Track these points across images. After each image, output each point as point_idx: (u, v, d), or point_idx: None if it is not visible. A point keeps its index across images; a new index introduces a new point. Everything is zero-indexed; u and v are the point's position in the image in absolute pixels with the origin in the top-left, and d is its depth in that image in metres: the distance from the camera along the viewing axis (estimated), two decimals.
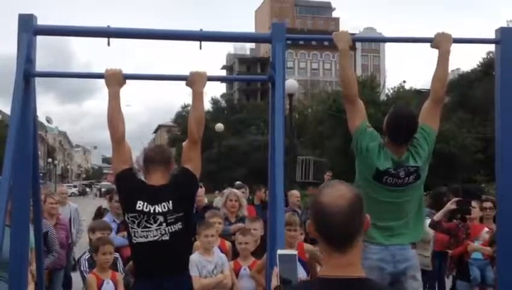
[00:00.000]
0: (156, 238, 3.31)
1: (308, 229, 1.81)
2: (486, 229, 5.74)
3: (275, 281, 1.95)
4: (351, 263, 1.69)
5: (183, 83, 3.67)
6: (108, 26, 3.68)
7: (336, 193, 1.69)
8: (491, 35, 3.95)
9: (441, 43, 3.73)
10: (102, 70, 3.61)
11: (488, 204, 5.89)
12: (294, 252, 2.00)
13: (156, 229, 3.32)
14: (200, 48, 3.74)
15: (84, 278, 4.91)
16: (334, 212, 1.65)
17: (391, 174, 3.55)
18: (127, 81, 3.64)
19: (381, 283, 2.00)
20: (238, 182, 12.21)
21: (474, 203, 5.91)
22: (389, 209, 3.57)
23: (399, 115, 3.66)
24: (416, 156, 3.62)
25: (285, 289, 1.80)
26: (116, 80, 3.55)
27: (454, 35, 3.78)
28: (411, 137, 3.68)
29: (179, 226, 3.34)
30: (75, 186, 64.93)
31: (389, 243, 3.56)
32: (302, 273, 1.80)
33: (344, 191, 1.70)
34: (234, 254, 5.32)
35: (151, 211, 3.32)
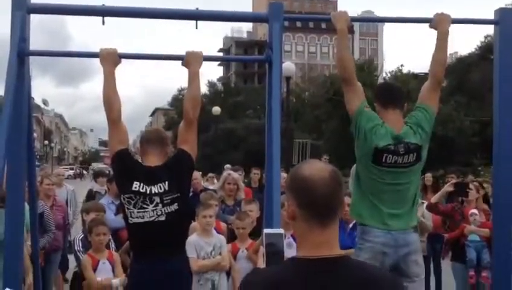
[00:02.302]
0: (153, 219, 3.31)
1: (286, 211, 1.76)
2: (472, 211, 5.74)
3: (261, 261, 1.94)
4: (329, 242, 1.67)
5: (180, 65, 3.63)
6: (103, 4, 3.64)
7: (316, 166, 1.70)
8: (490, 16, 3.92)
9: (440, 23, 3.70)
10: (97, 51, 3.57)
11: (475, 184, 5.95)
12: (281, 231, 1.99)
13: (152, 210, 3.31)
14: (196, 27, 3.70)
15: (77, 258, 4.91)
16: (318, 183, 1.65)
17: (391, 151, 3.50)
18: (123, 60, 3.60)
19: (361, 261, 1.98)
20: (227, 165, 12.20)
21: (471, 186, 5.93)
22: (391, 192, 3.54)
23: (386, 82, 3.68)
24: (416, 132, 3.58)
25: (252, 272, 1.75)
26: (111, 59, 3.51)
27: (453, 16, 3.76)
28: (402, 98, 3.71)
29: (175, 207, 3.33)
30: (71, 169, 64.90)
31: (392, 228, 3.51)
32: (294, 253, 1.76)
33: (323, 165, 1.72)
34: (230, 236, 5.34)
35: (147, 192, 3.31)
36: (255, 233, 5.05)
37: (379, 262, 3.44)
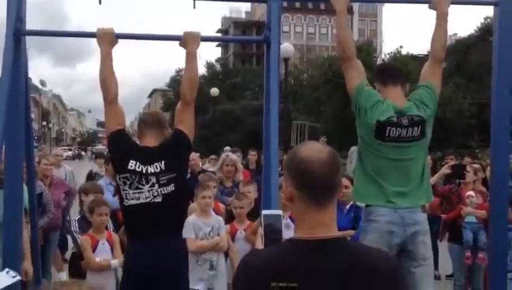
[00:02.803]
0: (148, 200, 3.28)
1: (284, 192, 1.77)
2: (468, 192, 5.77)
3: (259, 242, 1.94)
4: (327, 223, 1.67)
5: (178, 45, 3.60)
6: None
7: (313, 148, 1.70)
8: None
9: (439, 4, 3.67)
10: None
11: (476, 165, 5.94)
12: (279, 212, 1.99)
13: (148, 191, 3.28)
14: (194, 6, 3.67)
15: (74, 239, 4.92)
16: (315, 165, 1.65)
17: (394, 123, 3.41)
18: (120, 41, 3.57)
19: (358, 243, 1.99)
20: (227, 147, 12.18)
21: (468, 168, 5.94)
22: (395, 169, 3.44)
23: (385, 62, 3.63)
24: (420, 106, 3.49)
25: (250, 253, 1.75)
26: (108, 39, 3.48)
27: None
28: (402, 76, 3.66)
29: (171, 188, 3.31)
30: (70, 150, 64.87)
31: (398, 206, 3.39)
32: (292, 234, 1.77)
33: (321, 146, 1.72)
34: (228, 218, 5.37)
35: (143, 171, 3.29)
36: (253, 214, 5.07)
37: (386, 243, 3.33)
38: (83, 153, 69.12)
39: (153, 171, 3.30)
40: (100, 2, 3.61)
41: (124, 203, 3.35)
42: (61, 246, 7.18)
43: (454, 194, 5.94)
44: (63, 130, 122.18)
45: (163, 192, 3.29)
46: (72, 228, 4.97)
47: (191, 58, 3.53)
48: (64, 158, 9.94)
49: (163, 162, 3.31)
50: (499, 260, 3.79)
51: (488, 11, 35.03)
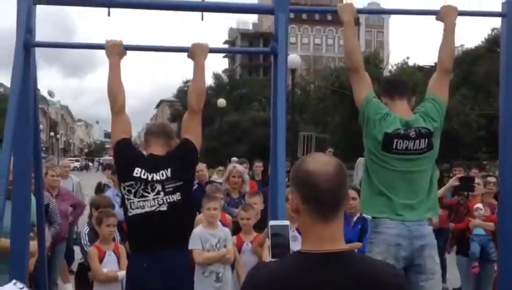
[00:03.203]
0: (154, 208, 3.22)
1: (290, 204, 1.76)
2: (477, 205, 5.72)
3: (267, 254, 1.92)
4: (334, 236, 1.66)
5: (186, 57, 3.63)
6: None
7: (320, 160, 1.69)
8: (498, 9, 3.90)
9: (447, 15, 3.68)
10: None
11: (492, 179, 5.88)
12: (286, 222, 1.97)
13: (154, 199, 3.23)
14: (202, 19, 3.69)
15: (84, 252, 4.93)
16: (321, 178, 1.63)
17: (401, 135, 3.40)
18: (128, 52, 3.60)
19: (365, 256, 1.97)
20: (234, 158, 12.17)
21: (478, 180, 5.89)
22: (403, 181, 3.42)
23: (392, 76, 3.62)
24: (426, 119, 3.48)
25: (256, 267, 1.73)
26: (116, 50, 3.51)
27: (460, 9, 3.73)
28: (408, 90, 3.66)
29: (177, 197, 3.25)
30: (77, 161, 65.11)
31: (406, 218, 3.36)
32: (299, 246, 1.76)
33: (327, 159, 1.71)
34: (235, 229, 5.35)
35: (149, 179, 3.25)
36: (260, 226, 5.06)
37: (392, 255, 3.30)
38: (90, 163, 69.34)
39: (158, 178, 3.26)
40: (109, 14, 3.64)
41: (128, 213, 3.29)
42: (68, 257, 7.19)
43: (462, 206, 5.90)
44: (70, 141, 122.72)
45: (169, 200, 3.24)
46: (83, 242, 4.99)
47: (199, 69, 3.54)
48: (71, 169, 9.98)
49: (169, 169, 3.28)
50: (508, 272, 3.75)
51: (495, 22, 35.02)
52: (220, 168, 11.94)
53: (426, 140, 3.45)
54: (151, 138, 3.50)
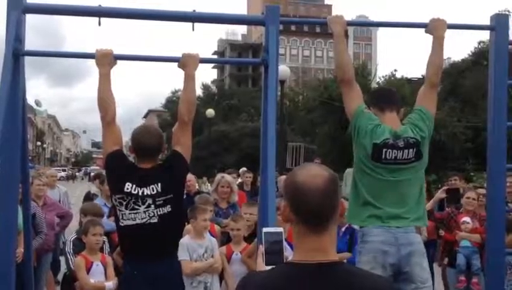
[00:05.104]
0: (144, 221, 3.25)
1: (282, 214, 1.76)
2: (464, 218, 5.76)
3: (260, 260, 1.92)
4: (325, 248, 1.66)
5: (175, 67, 3.62)
6: (100, 5, 3.62)
7: (311, 172, 1.68)
8: (485, 22, 3.95)
9: (436, 28, 3.71)
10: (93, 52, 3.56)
11: (482, 191, 5.93)
12: (280, 229, 1.96)
13: (144, 211, 3.26)
14: (193, 29, 3.70)
15: (67, 260, 4.86)
16: (311, 190, 1.63)
17: (389, 145, 3.44)
18: (118, 62, 3.59)
19: (356, 268, 1.97)
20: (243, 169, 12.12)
21: (470, 194, 5.95)
22: (391, 190, 3.44)
23: (381, 87, 3.63)
24: (414, 130, 3.52)
25: (247, 276, 1.74)
26: (106, 60, 3.49)
27: (449, 22, 3.77)
28: (398, 101, 3.70)
29: (168, 209, 3.28)
30: (64, 171, 64.57)
31: (392, 225, 3.38)
32: (290, 253, 1.76)
33: (318, 170, 1.69)
34: (224, 240, 5.33)
35: (139, 194, 3.27)
36: (251, 237, 5.04)
37: (380, 263, 3.31)
38: (76, 173, 68.84)
39: (149, 193, 3.27)
40: (100, 24, 3.62)
41: (119, 223, 3.32)
42: (54, 267, 7.10)
43: (452, 219, 5.94)
44: (57, 150, 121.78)
45: (159, 213, 3.27)
46: (67, 249, 4.91)
47: (189, 79, 3.54)
48: (58, 179, 9.87)
49: (159, 184, 3.29)
50: (496, 284, 3.77)
51: (482, 35, 35.45)
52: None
53: (414, 149, 3.48)
54: (140, 152, 3.42)
